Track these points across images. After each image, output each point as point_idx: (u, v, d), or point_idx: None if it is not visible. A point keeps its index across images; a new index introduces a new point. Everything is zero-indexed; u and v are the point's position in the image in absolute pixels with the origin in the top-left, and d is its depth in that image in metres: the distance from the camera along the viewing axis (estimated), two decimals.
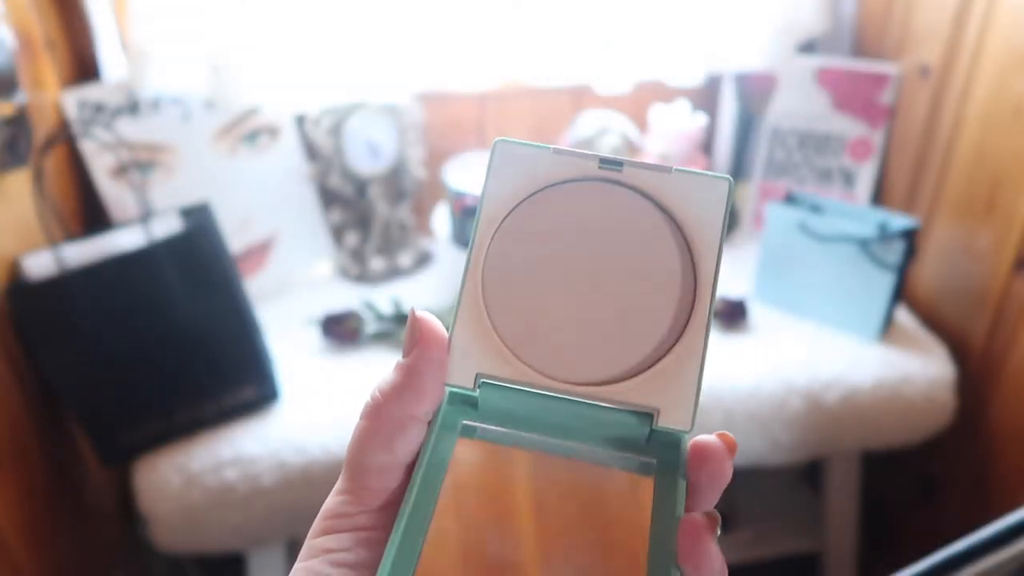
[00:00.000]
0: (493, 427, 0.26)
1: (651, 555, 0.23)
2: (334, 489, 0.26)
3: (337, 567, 0.24)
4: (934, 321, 0.98)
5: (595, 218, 0.26)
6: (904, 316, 0.97)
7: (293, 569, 0.25)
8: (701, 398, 0.25)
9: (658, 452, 0.25)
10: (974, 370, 0.92)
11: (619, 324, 0.26)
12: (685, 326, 0.26)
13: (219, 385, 0.80)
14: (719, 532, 0.24)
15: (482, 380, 0.26)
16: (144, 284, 0.75)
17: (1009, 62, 0.84)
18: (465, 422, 0.25)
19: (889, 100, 1.04)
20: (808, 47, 1.11)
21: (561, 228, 0.26)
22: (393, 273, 1.06)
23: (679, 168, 0.27)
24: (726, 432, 0.25)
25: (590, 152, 0.27)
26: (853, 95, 1.06)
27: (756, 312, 0.97)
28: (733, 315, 0.94)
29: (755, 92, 1.11)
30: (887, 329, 0.92)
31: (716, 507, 0.25)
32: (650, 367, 0.26)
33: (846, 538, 1.04)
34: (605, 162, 0.27)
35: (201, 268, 0.77)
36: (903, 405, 0.87)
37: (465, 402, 0.26)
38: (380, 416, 0.25)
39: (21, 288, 0.72)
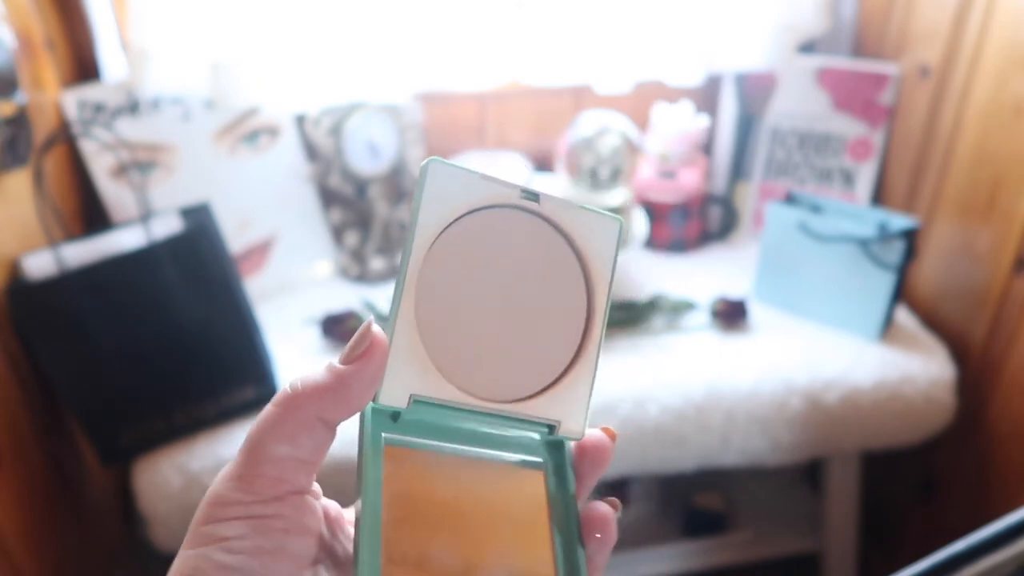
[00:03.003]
0: (413, 439, 0.27)
1: (557, 538, 0.27)
2: (223, 474, 0.25)
3: (234, 554, 0.23)
4: (934, 321, 0.98)
5: (514, 244, 0.28)
6: (904, 316, 0.97)
7: (180, 556, 0.24)
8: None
9: (548, 453, 0.29)
10: (974, 370, 0.92)
11: (531, 346, 0.28)
12: (581, 347, 0.29)
13: (219, 385, 0.80)
14: (619, 514, 0.28)
15: (415, 399, 0.27)
16: (144, 284, 0.75)
17: (1009, 62, 0.84)
18: (385, 435, 0.27)
19: (889, 100, 1.04)
20: (808, 47, 1.11)
21: (485, 252, 0.28)
22: (393, 273, 1.07)
23: (583, 206, 0.29)
24: (608, 427, 0.30)
25: (513, 182, 0.28)
26: (853, 95, 1.06)
27: (756, 312, 0.97)
28: (733, 315, 0.94)
29: (755, 92, 1.11)
30: (887, 329, 0.92)
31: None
32: (553, 386, 0.29)
33: (846, 538, 1.04)
34: (525, 192, 0.28)
35: (201, 268, 0.77)
36: (903, 405, 0.87)
37: (386, 414, 0.27)
38: (293, 408, 0.24)
39: (21, 288, 0.72)
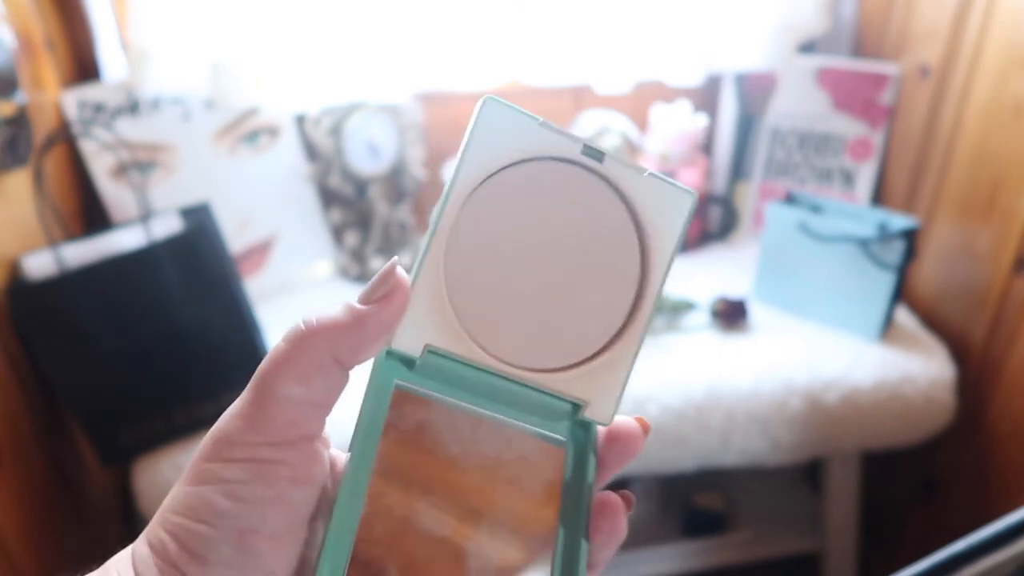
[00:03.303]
0: (426, 390, 0.26)
1: (562, 525, 0.25)
2: (230, 411, 0.23)
3: (234, 501, 0.22)
4: (934, 321, 0.98)
5: (566, 203, 0.26)
6: (904, 316, 0.97)
7: (177, 490, 0.23)
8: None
9: (572, 431, 0.27)
10: (974, 370, 0.92)
11: (567, 315, 0.26)
12: (624, 328, 0.27)
13: (219, 385, 0.80)
14: (631, 511, 0.26)
15: (429, 350, 0.25)
16: (144, 284, 0.75)
17: (1009, 62, 0.84)
18: (399, 381, 0.25)
19: (889, 100, 1.04)
20: (808, 47, 1.11)
21: (532, 206, 0.26)
22: None
23: (653, 172, 0.26)
24: (641, 416, 0.27)
25: (576, 135, 0.26)
26: (853, 95, 1.06)
27: (756, 312, 0.97)
28: (733, 315, 0.94)
29: (755, 92, 1.11)
30: (887, 329, 0.92)
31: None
32: (587, 361, 0.27)
33: (846, 538, 1.04)
34: (588, 149, 0.26)
35: (201, 268, 0.77)
36: (903, 405, 0.87)
37: (401, 360, 0.26)
38: (306, 346, 0.23)
39: (21, 288, 0.72)
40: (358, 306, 0.24)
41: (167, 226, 0.79)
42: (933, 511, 1.03)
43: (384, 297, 0.24)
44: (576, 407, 0.27)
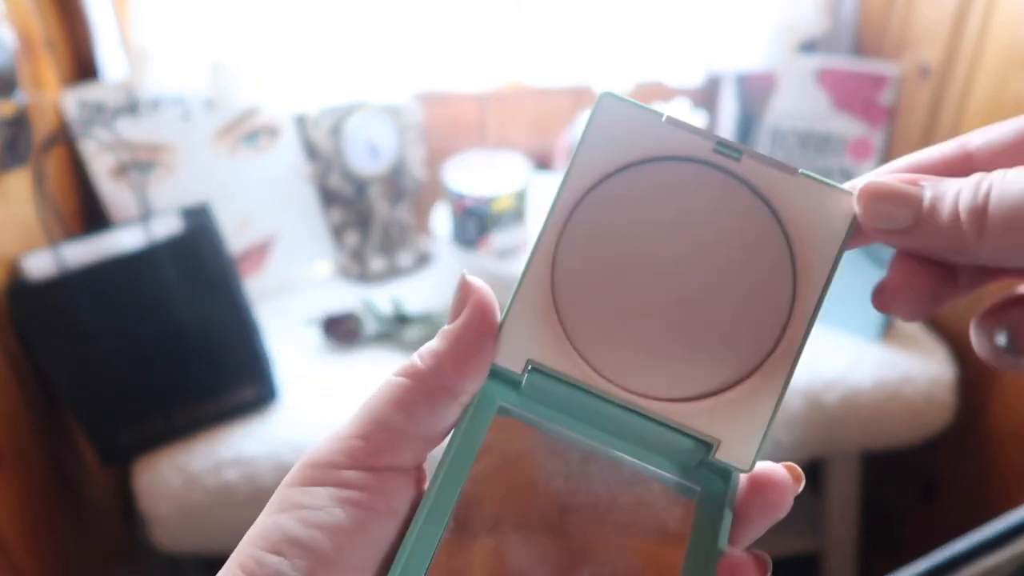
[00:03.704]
0: (532, 414, 0.23)
1: None
2: (328, 435, 0.22)
3: (309, 528, 0.21)
4: (934, 321, 0.98)
5: (695, 209, 0.22)
6: None
7: (260, 520, 0.22)
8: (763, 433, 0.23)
9: (706, 478, 0.23)
10: (974, 370, 0.92)
11: (698, 337, 0.22)
12: (769, 355, 0.23)
13: (219, 385, 0.80)
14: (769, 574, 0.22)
15: (532, 367, 0.23)
16: (144, 284, 0.75)
17: (1009, 62, 0.84)
18: (502, 404, 0.23)
19: (889, 100, 1.04)
20: (808, 47, 1.11)
21: (654, 212, 0.22)
22: (393, 273, 1.06)
23: (804, 172, 0.23)
24: (793, 464, 0.23)
25: (707, 130, 0.23)
26: (853, 95, 1.05)
27: None
28: None
29: (755, 92, 1.11)
30: (887, 329, 0.92)
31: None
32: (721, 392, 0.22)
33: (846, 538, 1.04)
34: (722, 146, 0.22)
35: (201, 268, 0.77)
36: (903, 405, 0.87)
37: (507, 382, 0.23)
38: (416, 378, 0.22)
39: (21, 288, 0.72)
40: (450, 327, 0.23)
41: (167, 226, 0.79)
42: (933, 511, 1.03)
43: (468, 306, 0.23)
44: (707, 446, 0.22)
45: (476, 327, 0.22)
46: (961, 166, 0.23)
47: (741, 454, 0.22)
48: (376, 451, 0.22)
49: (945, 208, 0.21)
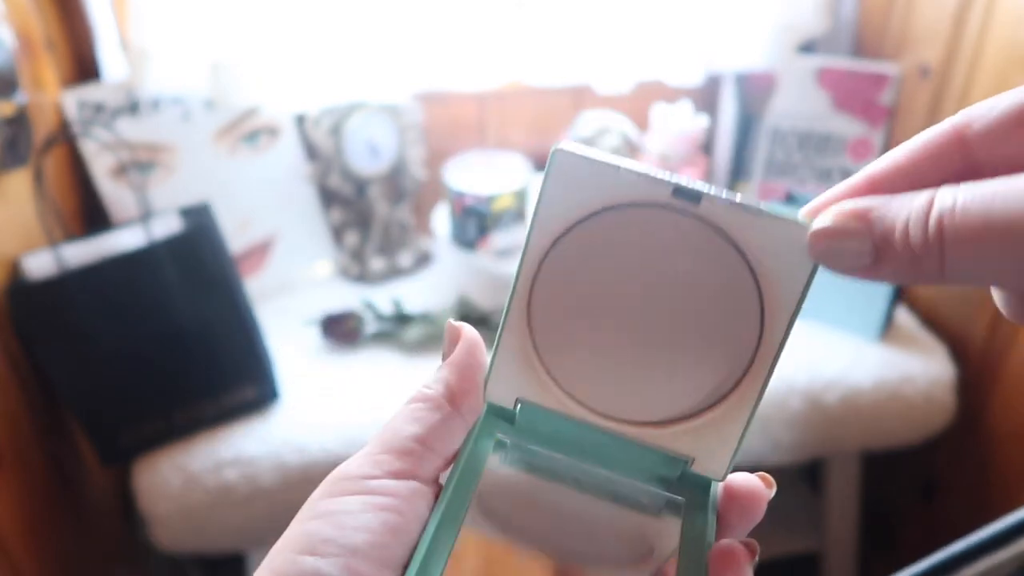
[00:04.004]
0: (527, 444, 0.26)
1: None
2: (352, 457, 0.25)
3: (341, 528, 0.22)
4: (934, 321, 0.98)
5: (661, 250, 0.23)
6: (904, 316, 0.97)
7: (289, 530, 0.23)
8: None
9: (688, 490, 0.25)
10: (974, 370, 0.92)
11: (669, 367, 0.24)
12: (739, 383, 0.24)
13: (219, 385, 0.80)
14: (755, 561, 0.24)
15: (521, 404, 0.25)
16: (144, 284, 0.75)
17: (1009, 62, 0.84)
18: (500, 436, 0.25)
19: (889, 100, 1.04)
20: (808, 47, 1.11)
21: (621, 255, 0.24)
22: (393, 273, 1.06)
23: (762, 208, 0.23)
24: (765, 474, 0.25)
25: (664, 177, 0.23)
26: (853, 95, 1.05)
27: None
28: None
29: (755, 92, 1.11)
30: (887, 329, 0.92)
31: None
32: (694, 416, 0.24)
33: (846, 538, 1.04)
34: (680, 191, 0.23)
35: (201, 268, 0.77)
36: (903, 405, 0.87)
37: (502, 416, 0.26)
38: (426, 400, 0.25)
39: (21, 288, 0.72)
40: (447, 360, 0.26)
41: (167, 226, 0.79)
42: (933, 511, 1.03)
43: (452, 341, 0.26)
44: (682, 462, 0.25)
45: (471, 356, 0.26)
46: (956, 156, 0.21)
47: (715, 467, 0.25)
48: (401, 464, 0.24)
49: (897, 242, 0.20)
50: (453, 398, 0.25)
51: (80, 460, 0.87)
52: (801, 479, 1.17)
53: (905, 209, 0.20)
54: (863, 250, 0.21)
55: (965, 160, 0.21)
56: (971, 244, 0.19)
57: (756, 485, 0.25)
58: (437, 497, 0.24)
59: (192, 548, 0.81)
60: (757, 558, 0.24)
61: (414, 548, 0.23)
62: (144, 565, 0.97)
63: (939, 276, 0.20)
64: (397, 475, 0.24)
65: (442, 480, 0.25)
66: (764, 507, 0.25)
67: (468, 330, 0.26)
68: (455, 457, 0.25)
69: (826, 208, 0.22)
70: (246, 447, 0.79)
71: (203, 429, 0.81)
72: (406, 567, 0.22)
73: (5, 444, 0.71)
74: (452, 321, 0.27)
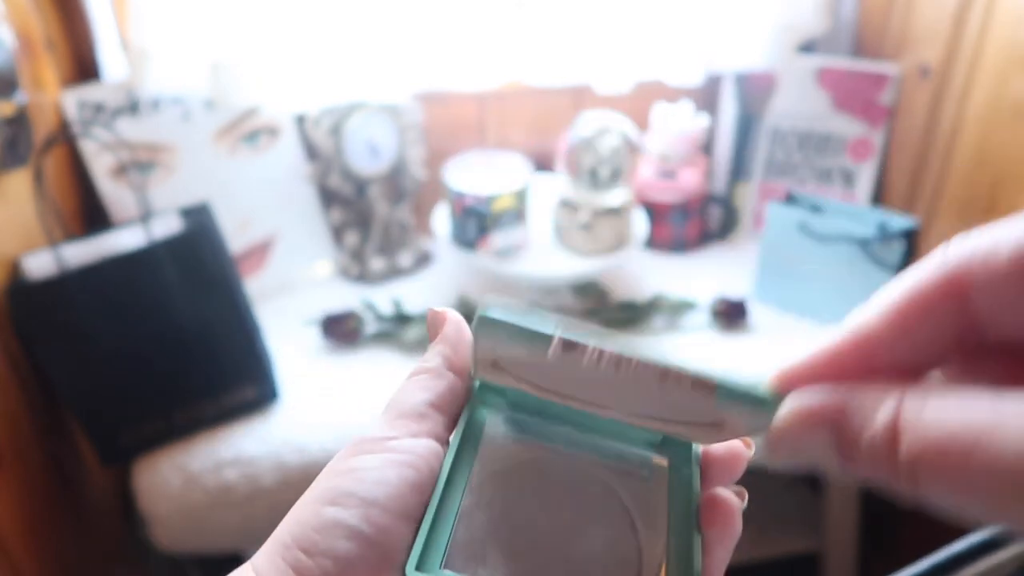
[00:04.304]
0: (518, 415, 0.27)
1: (672, 526, 0.25)
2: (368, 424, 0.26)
3: (361, 482, 0.23)
4: None
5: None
6: None
7: (313, 486, 0.24)
8: None
9: (672, 449, 0.27)
10: None
11: None
12: None
13: (219, 385, 0.80)
14: (744, 505, 0.26)
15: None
16: (144, 284, 0.75)
17: (1009, 62, 0.84)
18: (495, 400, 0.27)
19: (889, 100, 1.04)
20: (808, 47, 1.11)
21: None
22: (393, 273, 1.06)
23: (730, 386, 0.24)
24: (741, 489, 0.27)
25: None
26: (853, 95, 1.05)
27: (756, 312, 0.97)
28: (733, 315, 0.94)
29: (755, 92, 1.11)
30: None
31: None
32: None
33: (846, 538, 1.04)
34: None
35: (201, 268, 0.77)
36: None
37: (494, 391, 0.27)
38: (428, 371, 0.27)
39: (21, 288, 0.72)
40: (437, 339, 0.28)
41: (167, 226, 0.79)
42: (933, 511, 1.03)
43: (439, 321, 0.28)
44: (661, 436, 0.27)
45: (460, 332, 0.28)
46: (954, 314, 0.19)
47: None
48: (417, 426, 0.25)
49: (864, 453, 0.18)
50: (452, 367, 0.27)
51: (80, 460, 0.87)
52: (801, 479, 1.17)
53: (872, 413, 0.18)
54: (827, 455, 0.19)
55: (965, 318, 0.19)
56: (940, 473, 0.17)
57: (736, 446, 0.27)
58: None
59: (192, 548, 0.81)
60: (745, 503, 0.26)
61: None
62: (144, 565, 0.97)
63: (918, 496, 0.18)
64: (414, 436, 0.25)
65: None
66: (744, 464, 0.27)
67: (452, 312, 0.28)
68: (458, 416, 0.27)
69: (798, 379, 0.21)
70: (246, 447, 0.79)
71: (203, 429, 0.81)
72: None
73: (5, 444, 0.71)
74: (433, 307, 0.28)
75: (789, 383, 0.21)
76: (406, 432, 0.25)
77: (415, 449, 0.25)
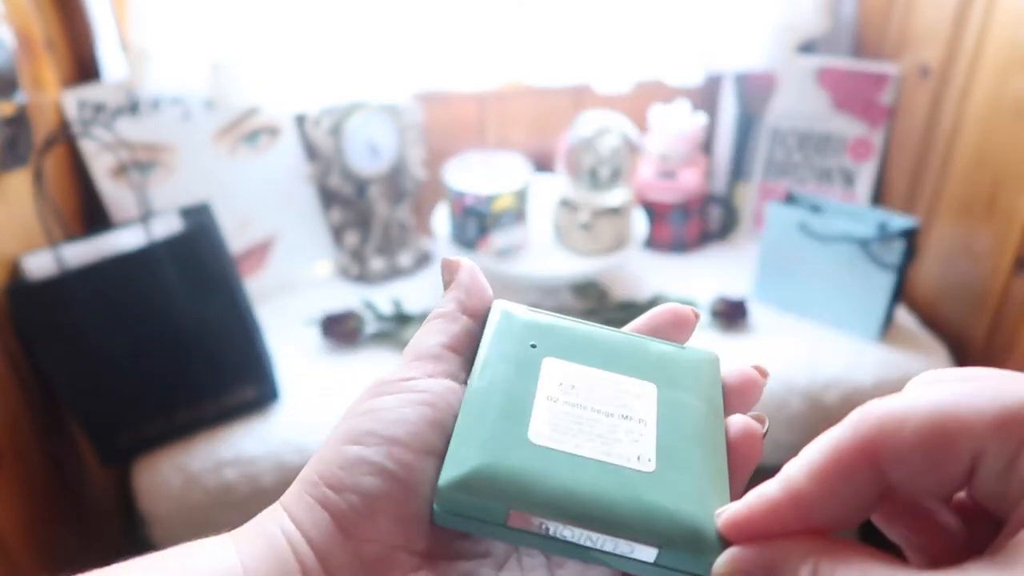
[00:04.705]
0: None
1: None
2: (389, 368, 0.27)
3: (381, 422, 0.24)
4: (934, 321, 0.98)
5: None
6: (904, 316, 0.97)
7: (337, 427, 0.25)
8: None
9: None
10: None
11: None
12: None
13: (219, 385, 0.80)
14: (766, 429, 0.27)
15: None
16: (144, 284, 0.75)
17: (1009, 62, 0.84)
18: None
19: (889, 100, 1.04)
20: (808, 47, 1.11)
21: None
22: (393, 273, 1.06)
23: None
24: (760, 365, 0.30)
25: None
26: (853, 95, 1.05)
27: (756, 312, 0.97)
28: (733, 315, 0.94)
29: (755, 92, 1.11)
30: (887, 329, 0.92)
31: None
32: None
33: (846, 538, 1.04)
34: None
35: (201, 268, 0.77)
36: None
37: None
38: (444, 316, 0.28)
39: (21, 288, 0.72)
40: (452, 284, 0.29)
41: (167, 226, 0.79)
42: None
43: (454, 268, 0.29)
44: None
45: (474, 277, 0.29)
46: (870, 482, 0.22)
47: None
48: (433, 367, 0.26)
49: None
50: (466, 311, 0.28)
51: (80, 460, 0.87)
52: None
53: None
54: None
55: (883, 479, 0.21)
56: None
57: (751, 372, 0.29)
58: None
59: None
60: (767, 427, 0.27)
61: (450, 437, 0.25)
62: None
63: None
64: (430, 376, 0.26)
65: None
66: (760, 390, 0.29)
67: (465, 260, 0.29)
68: (474, 356, 0.27)
69: (739, 529, 0.22)
70: (246, 447, 0.79)
71: (203, 429, 0.81)
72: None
73: (5, 444, 0.71)
74: (447, 257, 0.29)
75: (733, 530, 0.22)
76: (423, 372, 0.26)
77: (432, 388, 0.25)
